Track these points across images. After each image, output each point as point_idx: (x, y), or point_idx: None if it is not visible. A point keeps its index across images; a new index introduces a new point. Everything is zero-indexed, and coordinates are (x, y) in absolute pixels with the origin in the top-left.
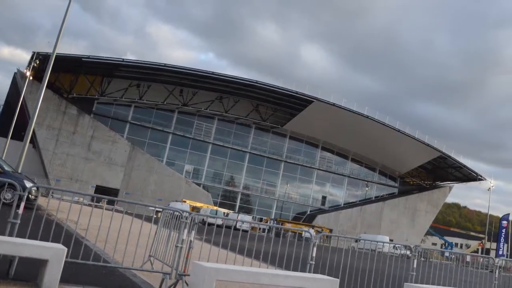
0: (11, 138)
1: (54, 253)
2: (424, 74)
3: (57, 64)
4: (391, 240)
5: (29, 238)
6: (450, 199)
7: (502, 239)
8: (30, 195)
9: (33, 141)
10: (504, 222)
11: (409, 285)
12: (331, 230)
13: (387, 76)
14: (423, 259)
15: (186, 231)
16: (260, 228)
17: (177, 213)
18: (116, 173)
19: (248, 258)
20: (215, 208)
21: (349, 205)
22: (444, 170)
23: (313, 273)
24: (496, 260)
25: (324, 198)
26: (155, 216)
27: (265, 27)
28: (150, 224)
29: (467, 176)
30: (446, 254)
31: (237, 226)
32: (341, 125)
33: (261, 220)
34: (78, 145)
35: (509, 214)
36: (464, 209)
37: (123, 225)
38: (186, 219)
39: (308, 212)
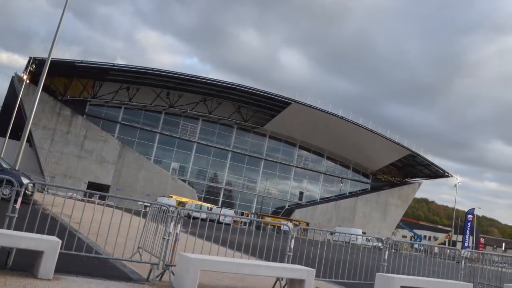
0: (9, 137)
1: (49, 245)
2: (395, 77)
3: (52, 69)
4: (364, 233)
5: (26, 231)
6: (419, 195)
7: (467, 232)
8: (26, 191)
9: (30, 140)
10: (470, 216)
11: (381, 275)
12: (308, 224)
13: (361, 79)
14: (394, 250)
15: (172, 224)
16: (241, 222)
17: (164, 207)
18: (107, 170)
19: (230, 249)
20: (200, 203)
21: (324, 200)
22: (413, 167)
23: (291, 263)
24: (462, 251)
25: (301, 193)
26: (143, 210)
27: (246, 33)
28: (139, 218)
29: (435, 173)
30: (416, 246)
31: (220, 220)
32: (317, 125)
33: (242, 214)
34: (72, 144)
35: (474, 208)
36: (432, 204)
37: (113, 219)
38: (172, 213)
39: (287, 207)
